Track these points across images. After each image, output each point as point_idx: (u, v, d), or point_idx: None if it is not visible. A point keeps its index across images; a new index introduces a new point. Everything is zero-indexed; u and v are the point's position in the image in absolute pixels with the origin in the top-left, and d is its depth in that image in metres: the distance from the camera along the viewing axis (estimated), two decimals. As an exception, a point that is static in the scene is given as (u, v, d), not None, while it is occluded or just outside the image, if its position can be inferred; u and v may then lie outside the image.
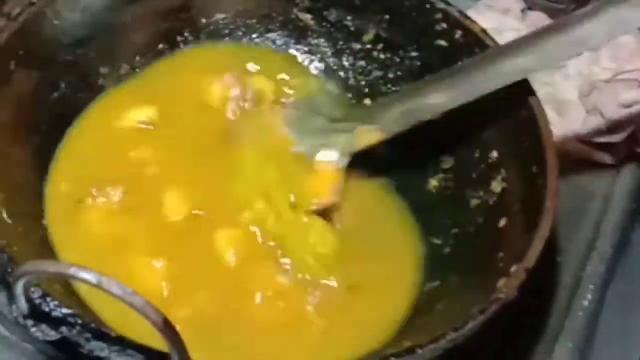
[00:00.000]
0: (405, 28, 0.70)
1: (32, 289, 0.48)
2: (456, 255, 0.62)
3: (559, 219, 0.63)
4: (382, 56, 0.72)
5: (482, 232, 0.61)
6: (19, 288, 0.46)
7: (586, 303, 0.65)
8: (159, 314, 0.42)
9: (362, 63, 0.73)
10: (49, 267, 0.43)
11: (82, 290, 0.57)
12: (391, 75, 0.72)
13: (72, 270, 0.42)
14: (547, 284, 0.66)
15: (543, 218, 0.55)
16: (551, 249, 0.64)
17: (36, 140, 0.65)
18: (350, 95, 0.74)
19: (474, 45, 0.65)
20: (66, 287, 0.56)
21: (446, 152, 0.67)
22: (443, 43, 0.68)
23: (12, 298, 0.61)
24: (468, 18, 0.67)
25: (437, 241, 0.64)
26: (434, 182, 0.67)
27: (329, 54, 0.75)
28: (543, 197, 0.56)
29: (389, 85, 0.72)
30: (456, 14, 0.67)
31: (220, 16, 0.75)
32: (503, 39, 0.68)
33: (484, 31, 0.65)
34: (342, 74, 0.74)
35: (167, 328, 0.43)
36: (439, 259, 0.63)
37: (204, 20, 0.75)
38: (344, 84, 0.74)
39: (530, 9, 0.83)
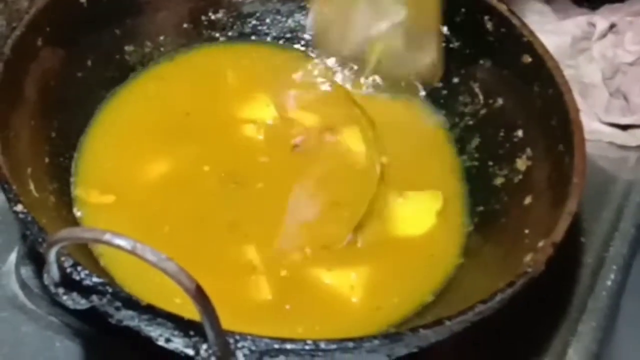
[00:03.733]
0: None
1: (63, 258, 0.48)
2: (481, 232, 0.62)
3: (582, 199, 0.63)
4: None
5: (507, 209, 0.61)
6: (52, 255, 0.46)
7: (609, 283, 0.65)
8: (192, 280, 0.42)
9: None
10: (83, 233, 0.43)
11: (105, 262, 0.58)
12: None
13: (107, 236, 0.42)
14: (570, 264, 0.66)
15: (570, 194, 0.55)
16: (575, 230, 0.65)
17: (63, 117, 0.65)
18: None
19: (500, 24, 0.65)
20: (90, 259, 0.57)
21: (471, 131, 0.67)
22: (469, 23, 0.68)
23: (38, 271, 0.63)
24: (493, -4, 0.67)
25: (462, 219, 0.64)
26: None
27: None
28: (570, 174, 0.56)
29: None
30: (482, -7, 0.67)
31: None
32: (527, 21, 0.68)
33: (511, 10, 0.65)
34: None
35: (200, 295, 0.43)
36: (464, 237, 0.63)
37: (227, 0, 0.75)
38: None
39: (554, -9, 0.83)
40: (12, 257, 0.65)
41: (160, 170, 0.66)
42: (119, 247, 0.42)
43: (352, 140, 0.69)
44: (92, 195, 0.64)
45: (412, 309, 0.59)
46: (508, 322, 0.55)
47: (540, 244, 0.53)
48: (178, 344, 0.48)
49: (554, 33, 0.76)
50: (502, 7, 0.66)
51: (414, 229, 0.63)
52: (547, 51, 0.63)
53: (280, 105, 0.71)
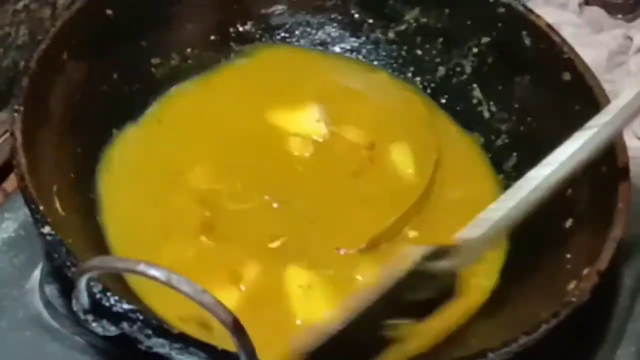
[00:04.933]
0: (466, 22, 0.68)
1: (92, 283, 0.47)
2: (520, 256, 0.60)
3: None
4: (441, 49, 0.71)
5: (546, 233, 0.59)
6: (83, 283, 0.44)
7: (649, 306, 0.63)
8: (229, 313, 0.41)
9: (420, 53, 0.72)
10: (116, 262, 0.42)
11: (136, 285, 0.56)
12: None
13: (141, 267, 0.41)
14: (609, 286, 0.64)
15: (615, 220, 0.53)
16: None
17: (88, 132, 0.64)
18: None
19: (539, 40, 0.63)
20: (121, 281, 0.56)
21: (509, 151, 0.65)
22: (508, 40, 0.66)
23: (62, 290, 0.62)
24: (533, 12, 0.65)
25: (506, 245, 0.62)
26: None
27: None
28: (614, 198, 0.55)
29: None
30: (520, 8, 0.65)
31: (274, 8, 0.74)
32: (562, 34, 0.67)
33: (550, 26, 0.64)
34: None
35: (237, 328, 0.41)
36: (502, 259, 0.61)
37: (256, 12, 0.74)
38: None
39: (587, 3, 0.81)
40: (36, 274, 0.64)
41: (198, 185, 0.64)
42: (153, 278, 0.41)
43: (400, 157, 0.67)
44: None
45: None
46: (545, 346, 0.53)
47: (585, 271, 0.52)
48: (210, 372, 0.47)
49: (590, 46, 0.74)
50: (542, 22, 0.64)
51: None
52: (588, 69, 0.61)
53: (327, 119, 0.69)
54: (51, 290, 0.63)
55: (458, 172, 0.68)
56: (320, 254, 0.61)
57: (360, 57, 0.75)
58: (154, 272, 0.41)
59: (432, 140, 0.69)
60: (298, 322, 0.57)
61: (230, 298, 0.57)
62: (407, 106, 0.72)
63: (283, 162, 0.67)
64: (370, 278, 0.59)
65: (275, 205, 0.63)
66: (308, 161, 0.67)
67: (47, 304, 0.62)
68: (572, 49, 0.63)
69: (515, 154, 0.66)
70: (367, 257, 0.61)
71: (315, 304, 0.58)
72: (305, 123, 0.69)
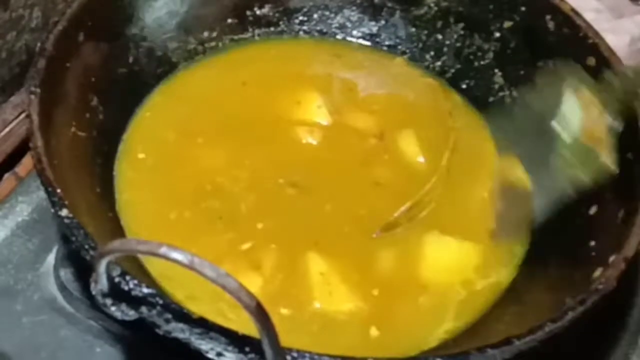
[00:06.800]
0: (488, 6, 0.67)
1: (111, 267, 0.46)
2: (544, 245, 0.60)
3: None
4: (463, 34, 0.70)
5: (571, 220, 0.58)
6: (102, 266, 0.44)
7: (671, 294, 0.63)
8: (252, 297, 0.40)
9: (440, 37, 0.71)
10: (138, 245, 0.41)
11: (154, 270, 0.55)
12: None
13: (163, 250, 0.40)
14: (631, 275, 0.63)
15: (641, 206, 0.52)
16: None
17: (104, 116, 0.63)
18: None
19: (563, 24, 0.62)
20: (138, 265, 0.55)
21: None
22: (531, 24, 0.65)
23: (77, 273, 0.61)
24: (558, -4, 0.64)
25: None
26: None
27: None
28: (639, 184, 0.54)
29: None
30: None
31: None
32: (584, 19, 0.66)
33: (574, 10, 0.63)
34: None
35: (260, 312, 0.40)
36: (528, 251, 0.61)
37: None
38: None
39: (608, -12, 0.80)
40: (51, 258, 0.63)
41: (209, 174, 0.64)
42: (175, 261, 0.40)
43: (409, 146, 0.66)
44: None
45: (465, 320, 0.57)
46: (567, 334, 0.53)
47: (612, 258, 0.51)
48: (230, 358, 0.47)
49: (611, 32, 0.73)
50: (566, 7, 0.63)
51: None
52: (613, 53, 0.60)
53: (333, 106, 0.68)
54: (66, 274, 0.62)
55: (475, 159, 0.67)
56: (337, 240, 0.61)
57: (379, 41, 0.74)
58: (176, 255, 0.40)
59: (446, 127, 0.68)
60: (317, 306, 0.57)
61: (251, 285, 0.56)
62: (422, 93, 0.71)
63: (293, 149, 0.66)
64: (387, 263, 0.59)
65: (290, 191, 0.63)
66: (317, 148, 0.66)
67: (62, 287, 0.62)
68: (597, 34, 0.62)
69: None
70: (384, 243, 0.61)
71: (335, 290, 0.57)
72: (309, 111, 0.68)
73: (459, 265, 0.60)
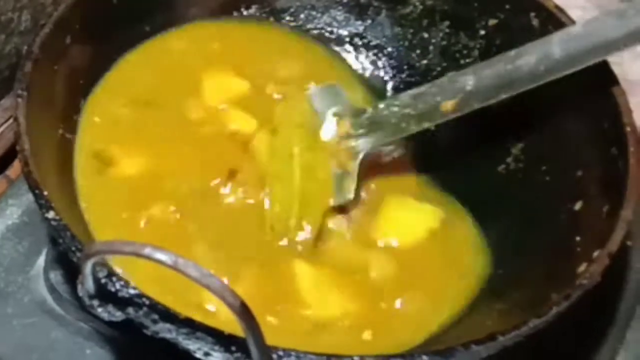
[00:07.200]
0: (473, 4, 0.67)
1: (97, 268, 0.46)
2: (528, 240, 0.60)
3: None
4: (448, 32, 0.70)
5: (555, 215, 0.59)
6: (88, 267, 0.44)
7: (659, 288, 0.63)
8: (236, 296, 0.40)
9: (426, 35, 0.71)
10: (122, 246, 0.41)
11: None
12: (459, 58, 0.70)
13: (147, 251, 0.40)
14: (618, 269, 0.64)
15: (625, 201, 0.53)
16: (623, 233, 0.62)
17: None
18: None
19: (547, 22, 0.63)
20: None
21: (517, 135, 0.64)
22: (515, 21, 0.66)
23: (67, 276, 0.61)
24: (541, -6, 0.64)
25: (506, 227, 0.62)
26: (502, 167, 0.65)
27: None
28: (624, 180, 0.54)
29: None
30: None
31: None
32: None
33: (558, 7, 0.63)
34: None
35: (244, 312, 0.41)
36: (509, 245, 0.61)
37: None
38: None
39: (595, -15, 0.80)
40: (41, 260, 0.64)
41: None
42: (159, 262, 0.40)
43: None
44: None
45: (442, 319, 0.58)
46: (554, 329, 0.53)
47: (596, 253, 0.51)
48: (217, 358, 0.47)
49: (597, 29, 0.73)
50: (550, 4, 0.63)
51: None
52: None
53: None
54: (56, 276, 0.63)
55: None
56: (326, 243, 0.61)
57: (364, 40, 0.74)
58: (160, 255, 0.40)
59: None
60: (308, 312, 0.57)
61: None
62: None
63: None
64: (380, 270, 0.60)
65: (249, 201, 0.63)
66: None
67: (52, 290, 0.62)
68: (581, 32, 0.61)
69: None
70: (375, 249, 0.62)
71: (326, 295, 0.58)
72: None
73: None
